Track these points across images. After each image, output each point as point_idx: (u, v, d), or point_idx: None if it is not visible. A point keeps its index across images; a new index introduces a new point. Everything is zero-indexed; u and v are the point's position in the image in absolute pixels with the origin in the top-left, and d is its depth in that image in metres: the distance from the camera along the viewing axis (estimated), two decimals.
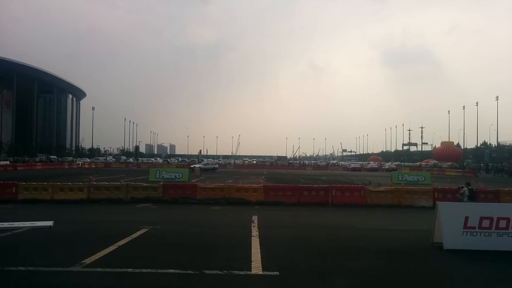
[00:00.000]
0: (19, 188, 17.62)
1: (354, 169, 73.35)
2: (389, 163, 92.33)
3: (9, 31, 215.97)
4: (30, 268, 6.84)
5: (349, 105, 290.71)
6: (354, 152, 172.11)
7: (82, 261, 7.23)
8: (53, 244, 9.07)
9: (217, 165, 61.29)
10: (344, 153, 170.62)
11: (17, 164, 58.54)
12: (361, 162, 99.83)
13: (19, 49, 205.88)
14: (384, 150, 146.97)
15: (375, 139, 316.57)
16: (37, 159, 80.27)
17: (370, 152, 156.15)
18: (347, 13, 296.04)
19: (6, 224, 10.94)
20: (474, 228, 8.80)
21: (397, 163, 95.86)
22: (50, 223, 11.26)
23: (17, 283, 6.20)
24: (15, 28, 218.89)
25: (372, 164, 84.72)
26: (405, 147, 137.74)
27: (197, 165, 51.61)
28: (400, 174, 37.72)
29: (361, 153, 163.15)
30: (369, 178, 42.30)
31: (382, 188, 19.57)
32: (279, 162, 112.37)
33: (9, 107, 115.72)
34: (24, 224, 11.10)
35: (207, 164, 57.41)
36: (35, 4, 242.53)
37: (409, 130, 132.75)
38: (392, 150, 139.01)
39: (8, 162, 60.26)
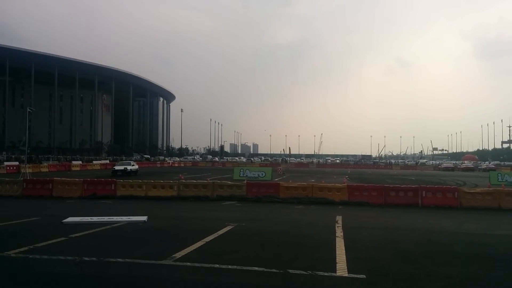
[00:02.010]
0: (118, 185, 19.15)
1: (446, 169, 68.90)
2: (486, 162, 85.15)
3: (104, 40, 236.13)
4: (127, 260, 7.36)
5: (439, 101, 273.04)
6: (446, 150, 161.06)
7: (173, 255, 7.61)
8: (147, 238, 9.67)
9: (136, 166, 42.29)
10: (435, 152, 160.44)
11: (116, 163, 63.69)
12: (454, 161, 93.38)
13: (116, 56, 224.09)
14: (481, 149, 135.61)
15: (469, 137, 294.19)
16: (133, 158, 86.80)
17: (464, 151, 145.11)
18: (435, 3, 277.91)
19: (106, 218, 12.03)
20: None
21: (495, 162, 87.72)
22: (144, 218, 12.16)
23: (116, 274, 6.71)
24: (105, 37, 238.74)
25: (467, 164, 78.87)
26: (505, 145, 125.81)
27: (117, 167, 39.67)
28: (499, 175, 34.51)
29: (454, 151, 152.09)
30: (463, 179, 39.38)
31: (479, 190, 18.03)
32: (363, 161, 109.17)
33: (108, 110, 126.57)
34: (121, 218, 12.12)
35: (128, 164, 40.52)
36: (129, 14, 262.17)
37: (509, 127, 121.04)
38: (490, 149, 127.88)
39: (108, 161, 65.88)
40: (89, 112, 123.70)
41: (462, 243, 9.64)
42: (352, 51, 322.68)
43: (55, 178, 19.87)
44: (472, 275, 6.94)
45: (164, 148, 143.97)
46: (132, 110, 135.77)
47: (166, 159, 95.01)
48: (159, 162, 79.68)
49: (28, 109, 37.91)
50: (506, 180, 31.18)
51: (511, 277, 6.93)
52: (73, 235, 9.63)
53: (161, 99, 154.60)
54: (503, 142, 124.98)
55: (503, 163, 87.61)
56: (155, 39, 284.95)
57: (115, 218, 11.99)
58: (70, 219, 11.81)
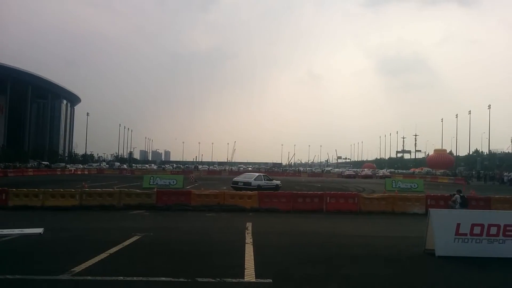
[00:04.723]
0: (10, 194, 17.37)
1: (348, 176, 73.39)
2: (383, 170, 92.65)
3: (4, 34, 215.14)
4: (17, 276, 6.73)
5: (345, 112, 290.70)
6: (349, 159, 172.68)
7: (72, 269, 7.12)
8: (43, 252, 8.97)
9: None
10: (339, 160, 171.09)
11: (8, 170, 57.84)
12: (355, 169, 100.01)
13: (14, 53, 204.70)
14: (379, 158, 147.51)
15: (370, 147, 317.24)
16: (28, 165, 79.63)
17: (365, 159, 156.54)
18: (344, 21, 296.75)
19: None
20: (466, 235, 8.83)
21: (391, 170, 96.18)
22: (40, 230, 11.13)
23: None
24: (8, 31, 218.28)
25: (366, 171, 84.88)
26: (399, 155, 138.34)
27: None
28: (393, 181, 37.79)
29: (356, 160, 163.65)
30: (363, 185, 42.34)
31: (375, 195, 19.58)
32: (274, 169, 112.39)
33: (1, 112, 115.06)
34: (13, 231, 10.94)
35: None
36: (32, 6, 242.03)
37: (403, 138, 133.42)
38: (387, 158, 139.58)
39: None
40: None
41: (360, 245, 10.39)
42: (267, 62, 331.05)
43: None
44: (367, 274, 7.57)
45: (66, 155, 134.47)
46: (30, 113, 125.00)
47: (68, 166, 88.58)
48: (59, 169, 73.98)
49: None
50: (399, 187, 34.22)
51: (400, 274, 7.69)
52: None
53: (64, 101, 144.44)
54: (397, 152, 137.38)
55: (397, 171, 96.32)
56: (61, 38, 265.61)
57: (5, 231, 10.80)
58: None
